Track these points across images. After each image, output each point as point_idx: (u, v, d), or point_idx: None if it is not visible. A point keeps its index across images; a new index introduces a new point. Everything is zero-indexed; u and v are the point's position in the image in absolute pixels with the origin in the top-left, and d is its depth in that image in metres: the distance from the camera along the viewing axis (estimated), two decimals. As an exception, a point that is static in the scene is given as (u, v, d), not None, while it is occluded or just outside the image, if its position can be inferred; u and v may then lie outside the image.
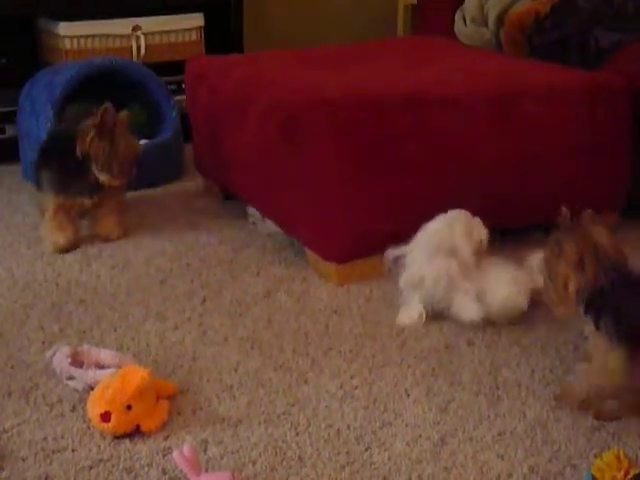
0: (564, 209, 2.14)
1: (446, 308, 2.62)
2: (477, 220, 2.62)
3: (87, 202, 3.12)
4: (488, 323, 2.58)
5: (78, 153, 2.99)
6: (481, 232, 2.61)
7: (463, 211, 2.63)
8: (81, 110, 3.24)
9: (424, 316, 2.62)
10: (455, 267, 2.57)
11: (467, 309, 2.57)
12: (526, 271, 2.55)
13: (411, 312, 2.63)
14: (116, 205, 3.19)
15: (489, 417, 2.17)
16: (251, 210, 3.27)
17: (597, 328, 2.10)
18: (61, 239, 3.10)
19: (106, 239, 3.18)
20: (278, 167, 2.96)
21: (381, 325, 2.62)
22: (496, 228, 2.66)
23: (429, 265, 2.59)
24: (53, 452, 2.03)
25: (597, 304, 2.09)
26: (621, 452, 1.91)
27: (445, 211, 2.66)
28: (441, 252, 2.58)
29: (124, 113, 3.09)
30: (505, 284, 2.57)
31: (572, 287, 2.08)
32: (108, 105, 3.00)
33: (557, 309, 2.17)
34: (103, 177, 3.04)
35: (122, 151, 3.03)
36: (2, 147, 3.99)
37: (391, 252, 2.65)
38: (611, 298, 2.07)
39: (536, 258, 2.28)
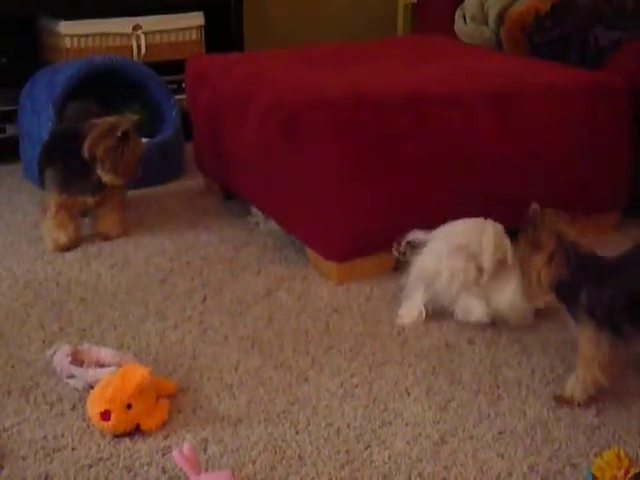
0: (533, 206, 2.20)
1: (450, 306, 2.61)
2: (504, 233, 2.60)
3: (89, 200, 3.13)
4: (492, 324, 2.58)
5: (85, 153, 2.99)
6: (507, 246, 2.58)
7: (493, 221, 2.61)
8: (81, 108, 3.25)
9: (424, 314, 2.62)
10: (473, 271, 2.56)
11: (475, 309, 2.56)
12: None
13: (411, 310, 2.63)
14: (117, 204, 3.19)
15: (489, 416, 2.17)
16: (254, 210, 3.27)
17: (569, 313, 2.19)
18: (62, 237, 3.10)
19: (106, 237, 3.18)
20: (278, 166, 2.96)
21: (381, 324, 2.62)
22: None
23: (448, 260, 2.57)
24: (53, 451, 2.03)
25: (564, 290, 2.17)
26: (621, 451, 1.91)
27: (446, 210, 2.66)
28: (463, 252, 2.56)
29: (135, 117, 3.09)
30: (512, 287, 2.56)
31: (545, 279, 2.16)
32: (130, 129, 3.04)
33: (533, 302, 2.31)
34: (107, 177, 3.05)
35: (129, 153, 3.04)
36: (3, 146, 3.99)
37: (414, 234, 2.64)
38: (575, 284, 2.14)
39: None
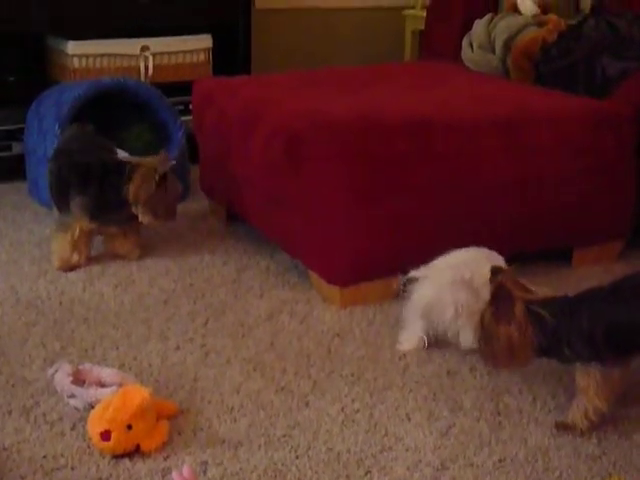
0: (493, 269, 2.23)
1: (453, 338, 2.60)
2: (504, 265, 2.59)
3: (114, 229, 3.17)
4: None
5: (130, 197, 3.02)
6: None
7: (493, 252, 2.60)
8: (79, 131, 3.25)
9: (426, 342, 2.62)
10: (474, 304, 2.54)
11: (470, 338, 2.56)
12: None
13: (411, 338, 2.62)
14: (136, 227, 3.19)
15: (490, 443, 2.17)
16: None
17: (558, 361, 2.24)
18: (75, 258, 3.11)
19: (125, 258, 3.20)
20: (283, 189, 2.97)
21: (383, 349, 2.62)
22: (499, 254, 2.65)
23: (453, 293, 2.55)
24: (52, 470, 2.02)
25: (547, 351, 2.20)
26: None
27: (450, 235, 2.66)
28: (467, 285, 2.55)
29: (173, 161, 3.11)
30: None
31: (521, 348, 2.15)
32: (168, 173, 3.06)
33: (503, 367, 2.34)
34: (146, 219, 3.07)
35: (169, 196, 3.08)
36: (8, 164, 4.00)
37: (414, 272, 2.63)
38: (555, 343, 2.16)
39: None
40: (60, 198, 3.15)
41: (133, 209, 3.05)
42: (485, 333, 2.20)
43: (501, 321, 2.15)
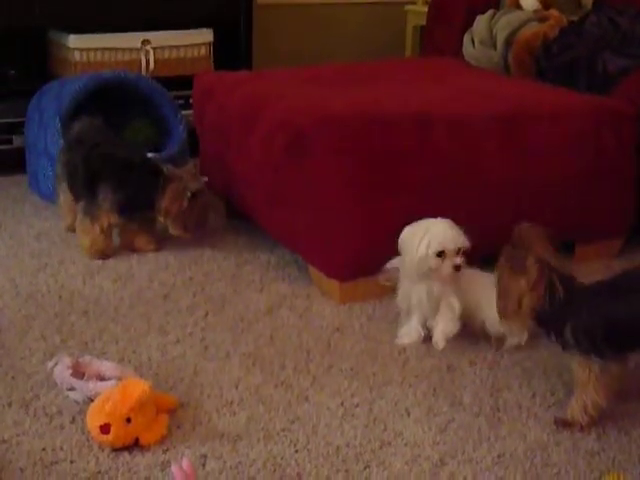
0: (521, 225, 2.21)
1: (430, 322, 2.63)
2: (452, 229, 2.58)
3: (137, 225, 3.23)
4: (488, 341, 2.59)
5: (161, 212, 3.11)
6: (457, 241, 2.57)
7: (435, 220, 2.60)
8: (89, 124, 3.26)
9: (422, 335, 2.62)
10: (437, 288, 2.56)
11: (443, 324, 2.57)
12: None
13: (410, 331, 2.63)
14: (154, 222, 3.24)
15: (489, 438, 2.17)
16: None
17: (555, 340, 2.21)
18: (107, 247, 3.19)
19: (142, 251, 3.23)
20: (283, 184, 2.97)
21: (383, 344, 2.62)
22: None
23: (419, 285, 2.59)
24: (52, 463, 2.03)
25: (548, 322, 2.19)
26: (621, 476, 1.90)
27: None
28: (422, 275, 2.56)
29: (204, 178, 3.20)
30: None
31: (526, 306, 2.15)
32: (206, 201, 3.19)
33: (507, 324, 2.28)
34: (176, 232, 3.17)
35: (198, 212, 3.17)
36: (9, 157, 3.99)
37: (392, 263, 2.65)
38: (559, 318, 2.16)
39: None
40: (85, 188, 3.19)
41: (163, 221, 3.15)
42: (500, 282, 2.19)
43: (515, 271, 2.14)
